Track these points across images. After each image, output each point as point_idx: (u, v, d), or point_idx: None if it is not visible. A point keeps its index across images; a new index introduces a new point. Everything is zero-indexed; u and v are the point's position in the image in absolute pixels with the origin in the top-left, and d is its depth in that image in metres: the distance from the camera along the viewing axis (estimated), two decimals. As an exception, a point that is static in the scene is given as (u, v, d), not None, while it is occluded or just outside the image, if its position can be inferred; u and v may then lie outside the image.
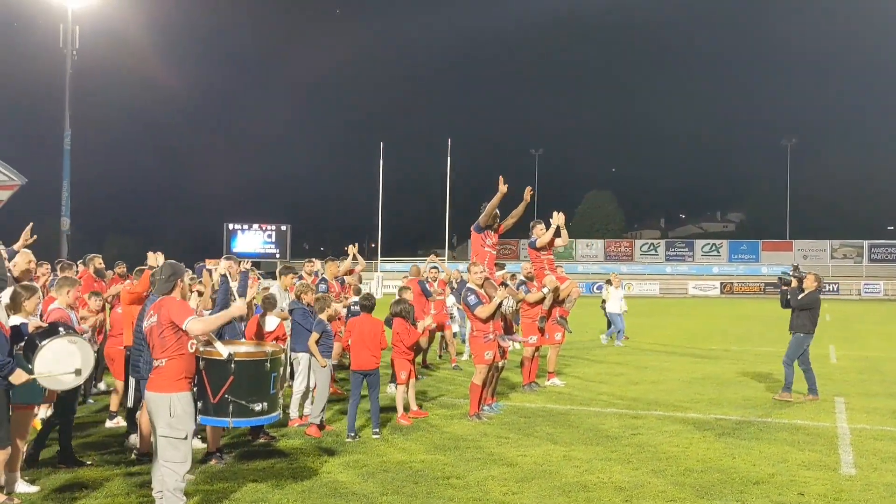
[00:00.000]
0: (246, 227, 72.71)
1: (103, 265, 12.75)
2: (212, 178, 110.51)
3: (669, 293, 62.34)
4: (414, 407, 9.77)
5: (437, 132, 73.80)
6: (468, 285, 9.85)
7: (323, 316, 9.00)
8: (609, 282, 20.03)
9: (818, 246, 72.01)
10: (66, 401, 7.21)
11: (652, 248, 78.35)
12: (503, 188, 10.02)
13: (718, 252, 75.10)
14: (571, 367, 14.77)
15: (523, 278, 12.70)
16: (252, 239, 72.17)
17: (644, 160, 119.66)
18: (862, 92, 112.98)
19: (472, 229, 10.82)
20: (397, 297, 9.91)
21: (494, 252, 10.49)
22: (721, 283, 64.28)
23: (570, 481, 6.82)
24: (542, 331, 11.94)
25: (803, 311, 11.28)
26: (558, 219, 11.62)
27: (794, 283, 11.51)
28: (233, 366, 5.60)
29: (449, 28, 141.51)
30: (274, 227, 72.89)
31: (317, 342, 8.67)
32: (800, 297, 11.31)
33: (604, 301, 20.02)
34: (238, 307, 5.77)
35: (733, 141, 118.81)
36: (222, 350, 5.60)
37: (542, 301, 11.66)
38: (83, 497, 6.32)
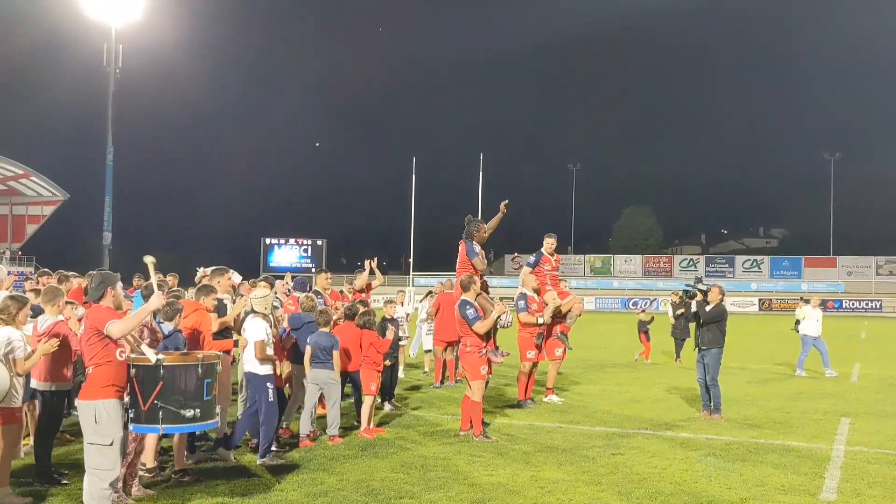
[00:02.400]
0: (282, 241, 73.44)
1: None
2: (251, 194, 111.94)
3: (706, 310, 61.11)
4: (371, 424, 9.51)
5: (470, 147, 73.77)
6: (464, 298, 9.60)
7: (326, 329, 9.03)
8: (804, 300, 18.00)
9: (863, 262, 70.32)
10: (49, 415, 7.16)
11: (691, 263, 77.21)
12: (504, 210, 10.94)
13: (760, 268, 73.78)
14: (578, 383, 14.43)
15: (523, 292, 12.37)
16: (288, 253, 72.85)
17: (685, 175, 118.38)
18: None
19: (464, 244, 10.63)
20: (362, 310, 9.74)
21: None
22: (759, 300, 63.05)
23: (527, 502, 6.54)
24: (538, 347, 11.67)
25: (712, 324, 10.84)
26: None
27: (699, 297, 11.14)
28: (162, 371, 5.50)
29: (483, 42, 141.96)
30: (310, 242, 73.50)
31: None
32: (708, 310, 10.88)
33: (797, 322, 17.14)
34: (154, 300, 5.63)
35: (776, 155, 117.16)
36: (150, 355, 5.52)
37: (533, 325, 11.39)
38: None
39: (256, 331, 7.87)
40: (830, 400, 12.70)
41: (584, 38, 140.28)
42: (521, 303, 11.68)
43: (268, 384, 7.82)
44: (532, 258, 12.12)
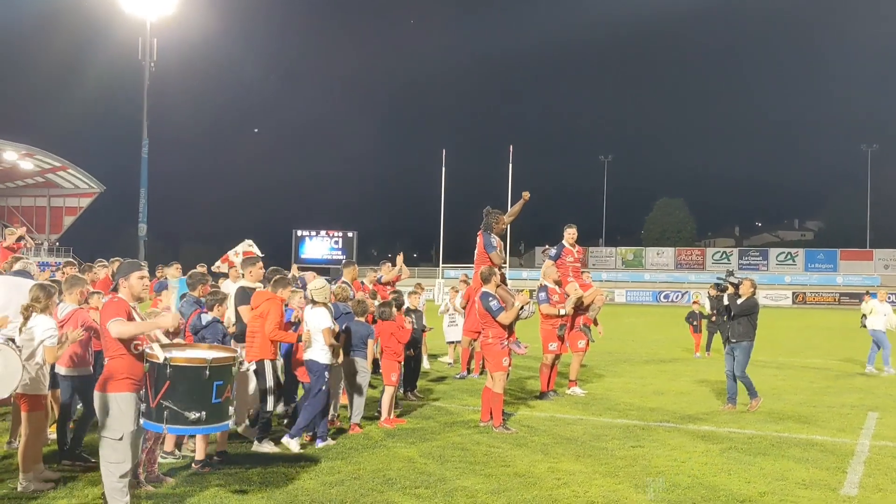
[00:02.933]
0: (314, 233, 73.76)
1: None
2: (283, 185, 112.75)
3: (739, 303, 60.49)
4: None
5: (501, 139, 73.56)
6: (485, 290, 9.59)
7: (361, 318, 9.22)
8: (870, 293, 17.55)
9: (901, 255, 69.03)
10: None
11: (724, 256, 76.43)
12: (526, 196, 11.15)
13: (794, 261, 72.79)
14: (603, 375, 14.36)
15: (544, 284, 12.30)
16: (319, 245, 73.14)
17: (718, 167, 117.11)
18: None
19: (482, 236, 10.62)
20: (381, 301, 9.82)
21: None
22: (793, 293, 62.24)
23: (542, 494, 6.52)
24: (561, 339, 11.63)
25: (743, 317, 10.76)
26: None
27: (731, 290, 11.06)
28: (168, 370, 5.36)
29: (514, 34, 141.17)
30: (341, 234, 73.74)
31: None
32: (739, 303, 10.80)
33: (864, 316, 16.64)
34: (166, 319, 5.60)
35: (812, 146, 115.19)
36: (159, 353, 5.41)
37: (555, 316, 11.36)
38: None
39: (323, 319, 8.20)
40: (859, 394, 12.52)
41: (618, 30, 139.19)
42: (543, 294, 11.64)
43: (325, 372, 8.18)
44: (553, 250, 12.08)
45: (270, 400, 7.99)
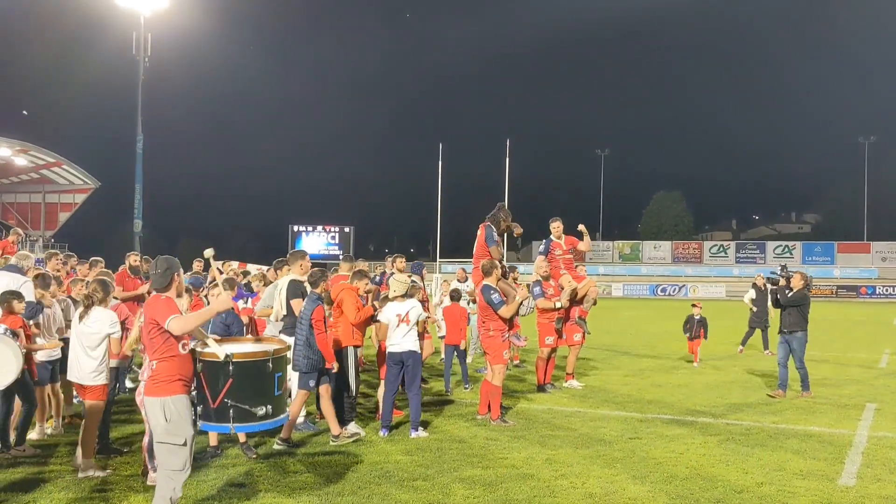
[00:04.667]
0: (310, 228, 73.71)
1: (139, 262, 12.86)
2: (279, 181, 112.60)
3: (736, 296, 60.47)
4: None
5: (498, 133, 73.46)
6: (486, 283, 9.57)
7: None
8: None
9: (898, 248, 69.10)
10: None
11: (722, 249, 76.44)
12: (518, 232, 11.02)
13: (792, 254, 72.82)
14: (600, 368, 14.35)
15: (537, 279, 12.25)
16: (316, 240, 73.09)
17: (715, 160, 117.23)
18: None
19: (484, 228, 10.61)
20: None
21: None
22: (791, 286, 62.19)
23: (540, 486, 6.51)
24: (559, 332, 11.62)
25: (794, 308, 11.36)
26: (581, 228, 11.82)
27: (783, 282, 11.65)
28: (231, 367, 5.17)
29: (510, 27, 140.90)
30: (338, 229, 73.71)
31: None
32: (789, 295, 11.39)
33: None
34: (223, 301, 5.43)
35: (809, 139, 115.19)
36: (218, 351, 5.20)
37: (551, 309, 11.35)
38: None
39: (420, 310, 8.69)
40: (857, 386, 12.52)
41: (616, 24, 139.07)
42: (537, 289, 11.62)
43: (419, 361, 8.68)
44: (542, 246, 12.05)
45: (353, 384, 8.51)
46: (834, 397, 11.30)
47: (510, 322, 9.70)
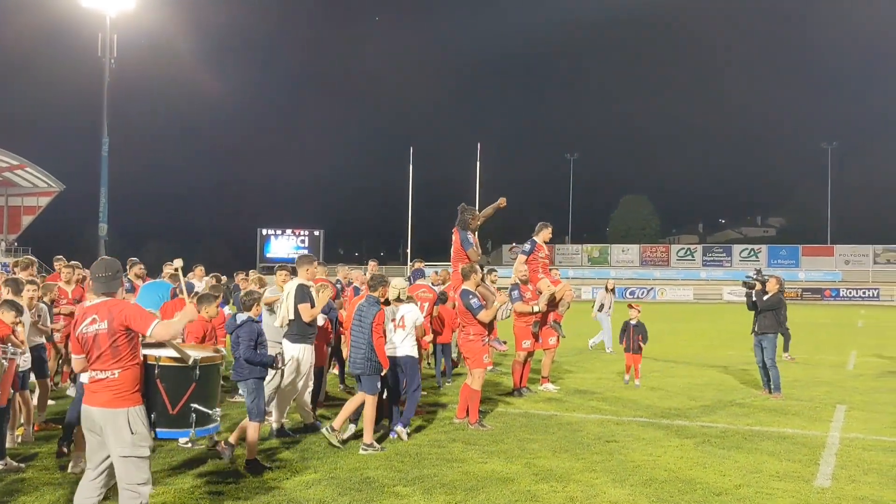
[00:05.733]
0: (279, 231, 73.15)
1: (144, 271, 12.45)
2: (247, 184, 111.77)
3: (703, 299, 61.31)
4: None
5: (468, 137, 73.58)
6: (465, 287, 9.55)
7: None
8: None
9: (860, 251, 70.24)
10: None
11: (689, 253, 77.12)
12: (503, 202, 11.23)
13: (757, 257, 73.64)
14: (574, 371, 14.41)
15: (516, 282, 12.28)
16: (285, 244, 72.55)
17: (682, 165, 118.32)
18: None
19: (458, 232, 10.65)
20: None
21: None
22: (757, 289, 62.96)
23: (521, 490, 6.51)
24: (535, 336, 11.64)
25: (769, 311, 11.67)
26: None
27: (759, 287, 11.88)
28: (197, 371, 5.10)
29: (480, 33, 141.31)
30: (307, 232, 73.23)
31: None
32: (765, 299, 11.70)
33: None
34: (190, 311, 5.29)
35: (774, 144, 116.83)
36: (189, 354, 5.11)
37: (529, 313, 11.37)
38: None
39: (420, 314, 8.78)
40: (826, 388, 12.70)
41: (582, 29, 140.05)
42: (515, 293, 11.63)
43: (419, 365, 8.77)
44: (527, 245, 12.05)
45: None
46: (805, 399, 11.46)
47: (490, 326, 9.73)
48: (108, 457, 4.90)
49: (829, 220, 77.13)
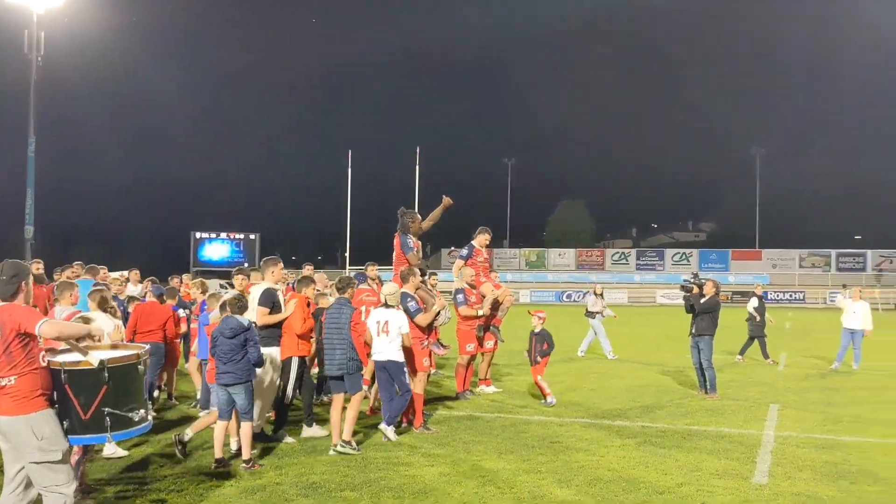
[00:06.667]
0: (213, 235, 71.84)
1: (42, 271, 12.40)
2: (180, 186, 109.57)
3: (637, 302, 62.48)
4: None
5: (407, 141, 73.51)
6: (403, 290, 9.52)
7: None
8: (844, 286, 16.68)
9: (787, 255, 72.41)
10: None
11: (623, 257, 78.42)
12: (448, 201, 11.00)
13: (689, 261, 75.24)
14: (515, 374, 14.51)
15: (461, 286, 12.27)
16: (219, 248, 71.39)
17: (617, 170, 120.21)
18: (831, 102, 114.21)
19: (399, 237, 10.60)
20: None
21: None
22: (689, 292, 64.40)
23: (469, 492, 6.53)
24: (479, 340, 11.69)
25: (706, 314, 11.97)
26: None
27: (696, 290, 12.20)
28: (105, 374, 4.91)
29: (417, 37, 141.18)
30: (242, 236, 72.15)
31: None
32: (703, 302, 12.02)
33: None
34: (97, 326, 5.23)
35: (704, 151, 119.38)
36: (92, 357, 4.93)
37: (473, 317, 11.39)
38: None
39: (405, 321, 8.67)
40: (760, 388, 13.06)
41: (519, 33, 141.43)
42: (460, 297, 11.65)
43: (405, 369, 8.68)
44: (465, 251, 12.04)
45: (290, 393, 8.59)
46: (740, 399, 11.76)
47: (429, 329, 9.73)
48: (24, 467, 4.78)
49: (758, 225, 79.41)
